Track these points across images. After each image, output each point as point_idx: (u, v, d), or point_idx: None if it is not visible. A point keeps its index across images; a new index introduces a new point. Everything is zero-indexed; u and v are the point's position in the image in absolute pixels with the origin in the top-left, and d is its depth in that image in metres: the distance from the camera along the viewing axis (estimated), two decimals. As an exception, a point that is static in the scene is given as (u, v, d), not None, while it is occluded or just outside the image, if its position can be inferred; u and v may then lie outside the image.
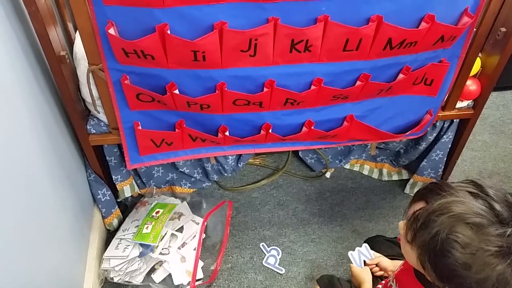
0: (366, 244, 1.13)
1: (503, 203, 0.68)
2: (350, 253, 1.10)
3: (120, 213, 1.40)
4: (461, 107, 1.29)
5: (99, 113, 1.14)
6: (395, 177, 1.60)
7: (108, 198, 1.33)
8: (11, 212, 0.77)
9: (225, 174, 1.50)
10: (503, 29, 1.10)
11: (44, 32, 0.92)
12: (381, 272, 1.10)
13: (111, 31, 0.89)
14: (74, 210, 1.16)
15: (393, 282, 0.96)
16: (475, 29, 1.08)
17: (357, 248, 1.11)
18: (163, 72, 0.99)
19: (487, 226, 0.66)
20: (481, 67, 1.23)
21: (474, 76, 1.25)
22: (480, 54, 1.20)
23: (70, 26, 1.14)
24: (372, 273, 1.11)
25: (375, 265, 1.09)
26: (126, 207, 1.47)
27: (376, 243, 1.22)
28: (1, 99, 0.80)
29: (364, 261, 1.10)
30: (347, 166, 1.63)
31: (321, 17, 0.93)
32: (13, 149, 0.82)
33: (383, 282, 1.02)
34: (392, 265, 1.06)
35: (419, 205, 0.75)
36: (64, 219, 1.08)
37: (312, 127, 1.17)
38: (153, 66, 0.97)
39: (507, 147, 1.74)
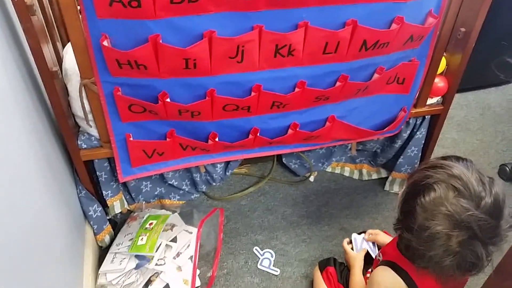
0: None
1: (495, 200, 0.75)
2: (354, 235, 1.17)
3: (112, 229, 1.41)
4: (432, 104, 1.39)
5: (90, 127, 1.16)
6: (374, 176, 1.68)
7: (99, 214, 1.33)
8: (9, 230, 0.77)
9: (213, 184, 1.53)
10: (463, 29, 1.21)
11: (38, 48, 0.95)
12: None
13: (105, 43, 0.93)
14: (68, 227, 1.16)
15: (379, 256, 1.03)
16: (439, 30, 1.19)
17: (362, 236, 1.18)
18: (155, 82, 1.03)
19: (464, 198, 0.74)
20: (446, 65, 1.34)
21: (441, 74, 1.36)
22: (444, 54, 1.30)
23: (59, 45, 1.17)
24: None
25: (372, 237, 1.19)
26: (116, 224, 1.47)
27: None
28: (2, 117, 0.82)
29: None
30: (329, 169, 1.70)
31: (301, 23, 1.00)
32: (10, 165, 0.82)
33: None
34: (389, 241, 1.12)
35: (440, 171, 0.80)
36: (59, 237, 1.08)
37: (297, 129, 1.24)
38: (146, 76, 1.01)
39: (473, 142, 1.87)
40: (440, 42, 1.22)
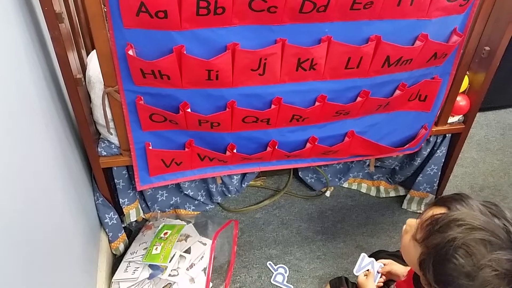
0: (380, 264, 1.15)
1: None
2: (363, 254, 1.13)
3: (126, 238, 1.41)
4: (453, 122, 1.38)
5: (111, 135, 1.17)
6: (392, 194, 1.66)
7: (115, 222, 1.34)
8: (29, 232, 0.77)
9: (229, 195, 1.52)
10: (487, 48, 1.20)
11: (64, 55, 0.96)
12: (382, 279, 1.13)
13: (130, 52, 0.94)
14: (84, 234, 1.16)
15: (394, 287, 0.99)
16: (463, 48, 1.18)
17: (372, 259, 1.13)
18: (177, 92, 1.04)
19: (500, 248, 0.70)
20: (469, 84, 1.32)
21: (463, 92, 1.34)
22: (467, 72, 1.29)
23: (83, 52, 1.19)
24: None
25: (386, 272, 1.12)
26: (131, 232, 1.47)
27: (379, 258, 1.25)
28: (27, 121, 0.83)
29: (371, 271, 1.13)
30: (346, 185, 1.68)
31: (324, 38, 1.01)
32: (33, 170, 0.84)
33: None
34: (405, 271, 1.08)
35: (440, 210, 0.78)
36: (75, 243, 1.08)
37: (316, 143, 1.23)
38: (168, 86, 1.02)
39: (494, 162, 1.83)
40: (463, 60, 1.20)
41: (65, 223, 1.01)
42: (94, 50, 1.13)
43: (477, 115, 1.39)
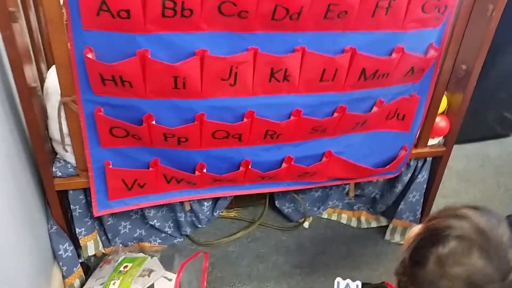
0: (357, 283, 1.05)
1: None
2: (337, 280, 1.02)
3: (83, 274, 1.26)
4: (433, 145, 1.33)
5: (66, 152, 1.07)
6: (373, 224, 1.57)
7: (70, 254, 1.20)
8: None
9: (199, 226, 1.41)
10: (464, 67, 1.18)
11: (19, 59, 0.88)
12: None
13: (89, 55, 0.87)
14: (34, 267, 1.03)
15: None
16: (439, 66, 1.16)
17: (347, 281, 1.03)
18: (140, 102, 0.96)
19: (490, 262, 0.62)
20: (447, 105, 1.30)
21: (442, 113, 1.31)
22: (446, 93, 1.26)
23: (43, 67, 1.11)
24: None
25: None
26: (88, 268, 1.32)
27: (362, 292, 1.16)
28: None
29: None
30: (325, 216, 1.59)
31: (298, 48, 0.96)
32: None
33: None
34: None
35: (465, 223, 0.68)
36: (23, 278, 0.95)
37: (292, 163, 1.15)
38: (130, 95, 0.95)
39: (475, 193, 1.79)
40: (441, 79, 1.18)
41: (12, 254, 0.88)
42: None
43: (455, 147, 1.37)
